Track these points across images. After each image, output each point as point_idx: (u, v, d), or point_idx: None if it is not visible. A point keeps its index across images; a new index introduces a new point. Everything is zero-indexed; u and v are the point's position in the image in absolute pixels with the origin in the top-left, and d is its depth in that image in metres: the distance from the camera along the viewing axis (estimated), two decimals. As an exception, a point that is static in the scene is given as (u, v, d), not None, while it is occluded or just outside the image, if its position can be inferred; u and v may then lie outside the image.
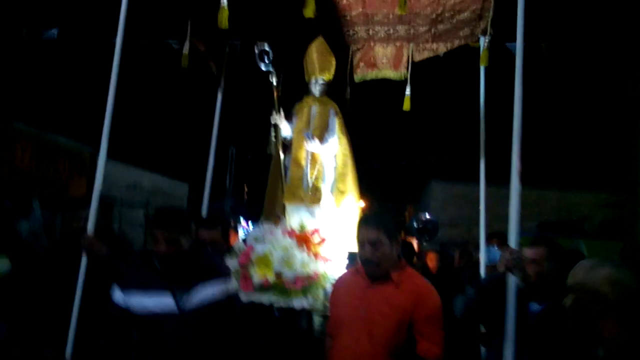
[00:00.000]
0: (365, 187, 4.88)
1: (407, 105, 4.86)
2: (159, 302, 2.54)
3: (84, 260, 3.26)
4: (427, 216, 5.17)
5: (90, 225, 3.35)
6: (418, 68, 4.97)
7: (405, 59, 4.99)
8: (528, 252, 2.95)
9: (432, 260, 6.19)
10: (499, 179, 4.48)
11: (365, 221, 2.80)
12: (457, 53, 4.84)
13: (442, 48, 4.91)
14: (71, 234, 3.62)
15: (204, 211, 4.92)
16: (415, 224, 4.86)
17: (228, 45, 5.03)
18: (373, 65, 5.12)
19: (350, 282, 2.89)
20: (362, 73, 5.17)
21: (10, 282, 4.10)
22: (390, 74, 5.08)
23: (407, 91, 4.87)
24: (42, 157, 8.33)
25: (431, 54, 4.94)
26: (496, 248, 4.66)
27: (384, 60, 5.08)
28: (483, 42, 4.53)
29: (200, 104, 4.87)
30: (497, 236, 5.02)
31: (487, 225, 4.60)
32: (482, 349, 4.06)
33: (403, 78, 4.96)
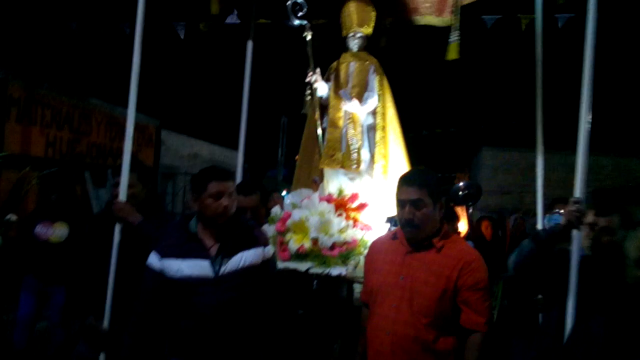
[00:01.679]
0: (413, 154, 4.20)
1: (453, 54, 3.96)
2: (195, 266, 2.36)
3: (117, 226, 2.95)
4: (469, 182, 4.44)
5: (122, 192, 2.99)
6: (465, 21, 4.07)
7: (450, 2, 4.08)
8: (601, 220, 2.54)
9: (486, 228, 5.48)
10: (550, 145, 3.88)
11: (407, 180, 2.37)
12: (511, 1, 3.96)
13: None
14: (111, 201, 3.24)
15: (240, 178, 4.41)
16: (457, 189, 4.14)
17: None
18: (414, 10, 4.24)
19: (387, 248, 2.47)
20: (404, 18, 4.28)
21: (67, 247, 4.05)
22: (433, 20, 4.17)
23: (454, 37, 3.97)
24: (114, 130, 8.36)
25: None
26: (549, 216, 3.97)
27: (426, 5, 4.19)
28: None
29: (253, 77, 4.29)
30: (562, 202, 4.29)
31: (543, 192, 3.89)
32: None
33: (450, 24, 4.05)
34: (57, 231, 4.21)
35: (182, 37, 4.64)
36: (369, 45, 4.08)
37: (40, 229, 4.21)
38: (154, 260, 2.40)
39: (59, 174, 4.42)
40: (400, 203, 2.34)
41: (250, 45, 4.34)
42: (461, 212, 5.03)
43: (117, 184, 3.16)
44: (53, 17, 7.26)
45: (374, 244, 2.64)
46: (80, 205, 4.59)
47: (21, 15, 7.26)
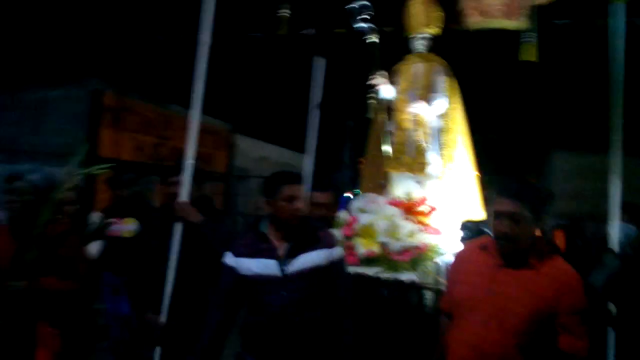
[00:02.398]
0: (482, 158, 3.91)
1: (527, 55, 3.62)
2: (264, 265, 2.37)
3: (178, 226, 2.92)
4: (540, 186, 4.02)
5: (184, 192, 2.95)
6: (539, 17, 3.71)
7: (521, 4, 3.75)
8: None
9: (559, 238, 5.00)
10: (629, 149, 3.43)
11: (506, 191, 2.13)
12: None
13: None
14: (168, 200, 3.21)
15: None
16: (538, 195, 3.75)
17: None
18: (485, 12, 3.92)
19: (476, 259, 2.22)
20: (473, 21, 3.95)
21: (135, 242, 4.00)
22: (505, 23, 3.83)
23: (528, 38, 3.62)
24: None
25: None
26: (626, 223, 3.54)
27: (498, 7, 3.86)
28: None
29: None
30: (627, 209, 3.84)
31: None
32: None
33: (523, 27, 3.73)
34: (128, 226, 4.31)
35: (251, 46, 4.62)
36: (437, 46, 3.86)
37: (112, 226, 4.33)
38: (228, 258, 2.45)
39: (128, 174, 4.52)
40: (497, 215, 2.12)
41: (323, 59, 4.27)
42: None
43: (172, 183, 3.13)
44: (141, 31, 7.56)
45: (460, 253, 2.42)
46: (147, 203, 4.66)
47: (113, 30, 7.62)
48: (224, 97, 7.49)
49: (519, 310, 2.02)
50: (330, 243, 2.51)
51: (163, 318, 2.86)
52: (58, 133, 7.27)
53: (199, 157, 3.05)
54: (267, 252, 2.40)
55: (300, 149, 4.67)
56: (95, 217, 3.95)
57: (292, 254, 2.38)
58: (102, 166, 2.83)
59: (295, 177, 2.48)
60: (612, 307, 3.03)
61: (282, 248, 2.40)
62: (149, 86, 7.89)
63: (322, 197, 3.16)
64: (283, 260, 2.37)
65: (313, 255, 2.41)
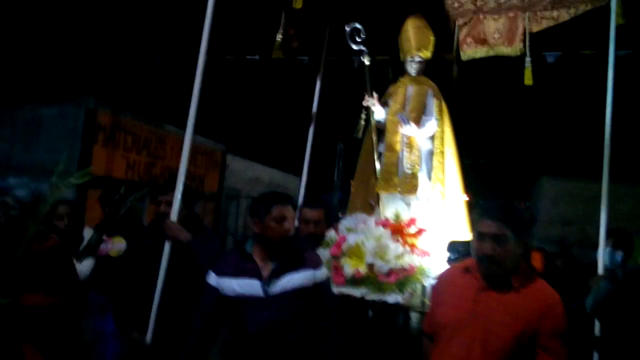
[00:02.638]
0: (471, 182, 3.88)
1: (528, 79, 3.69)
2: (247, 285, 2.34)
3: (167, 245, 2.88)
4: (522, 208, 3.98)
5: (174, 212, 2.91)
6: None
7: (520, 30, 3.80)
8: None
9: (537, 261, 4.95)
10: (616, 175, 3.48)
11: (490, 212, 2.10)
12: (581, 22, 3.63)
13: (564, 16, 3.68)
14: (157, 218, 3.17)
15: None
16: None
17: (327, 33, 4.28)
18: (483, 41, 3.96)
19: (458, 281, 2.19)
20: (470, 50, 4.03)
21: (122, 261, 3.92)
22: (504, 50, 3.88)
23: (528, 63, 3.69)
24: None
25: (551, 23, 3.73)
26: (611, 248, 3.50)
27: (495, 36, 3.90)
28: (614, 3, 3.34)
29: (310, 103, 4.24)
30: (613, 234, 3.82)
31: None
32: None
33: (520, 53, 3.79)
34: (116, 245, 4.22)
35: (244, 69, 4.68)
36: (429, 70, 3.86)
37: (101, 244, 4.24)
38: (211, 278, 2.40)
39: (116, 193, 4.46)
40: (480, 236, 2.08)
41: (319, 82, 4.29)
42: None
43: (161, 202, 3.09)
44: (138, 51, 7.61)
45: (443, 275, 2.39)
46: (136, 222, 4.58)
47: (109, 49, 7.66)
48: (218, 118, 7.51)
49: (502, 333, 1.99)
50: (315, 264, 2.47)
51: (149, 337, 2.78)
52: (51, 150, 7.22)
53: (191, 177, 3.02)
54: (251, 272, 2.35)
55: (291, 170, 4.66)
56: (88, 232, 3.87)
57: (277, 274, 2.34)
58: (84, 172, 2.76)
59: (285, 198, 2.46)
60: (596, 330, 2.99)
61: (266, 268, 2.37)
62: (143, 105, 7.89)
63: (311, 213, 3.14)
64: (267, 281, 2.33)
65: (298, 276, 2.37)
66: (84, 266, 3.59)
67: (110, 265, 4.09)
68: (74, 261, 3.45)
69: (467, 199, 3.78)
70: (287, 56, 4.32)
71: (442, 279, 2.35)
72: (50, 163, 6.97)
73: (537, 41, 3.87)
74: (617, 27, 3.33)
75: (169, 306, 2.82)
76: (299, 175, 4.42)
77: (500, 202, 2.42)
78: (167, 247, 2.86)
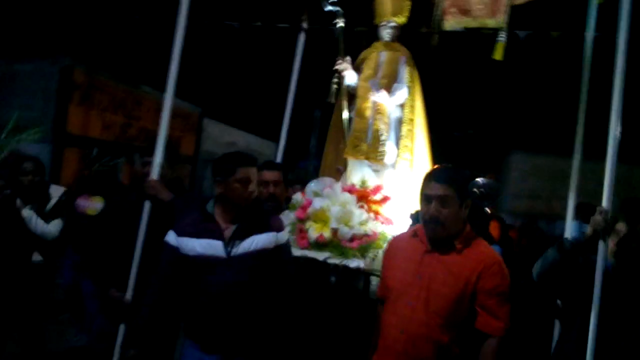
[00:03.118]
0: (443, 155, 3.82)
1: (499, 54, 3.53)
2: (209, 246, 2.27)
3: (147, 204, 2.83)
4: (486, 180, 3.94)
5: (155, 171, 2.86)
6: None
7: (504, 2, 3.60)
8: (618, 227, 2.28)
9: (494, 229, 4.97)
10: (584, 153, 3.40)
11: (436, 175, 2.17)
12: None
13: None
14: (137, 180, 3.08)
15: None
16: (473, 186, 3.66)
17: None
18: (466, 11, 3.75)
19: (406, 245, 2.25)
20: (453, 19, 3.80)
21: (100, 220, 3.81)
22: (488, 22, 3.68)
23: (503, 37, 3.51)
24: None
25: None
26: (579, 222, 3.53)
27: (479, 6, 3.70)
28: None
29: (289, 69, 4.08)
30: (581, 209, 3.83)
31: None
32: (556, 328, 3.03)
33: (503, 25, 3.60)
34: (95, 204, 4.15)
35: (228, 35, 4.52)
36: (403, 36, 3.73)
37: (79, 202, 4.16)
38: (171, 237, 2.33)
39: (96, 154, 4.35)
40: (426, 198, 2.12)
41: (300, 48, 4.13)
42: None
43: (146, 163, 3.01)
44: (117, 9, 7.28)
45: (394, 240, 2.43)
46: (116, 182, 4.49)
47: (87, 6, 7.32)
48: (195, 81, 7.31)
49: (443, 292, 2.04)
50: (277, 227, 2.42)
51: (129, 295, 2.73)
52: (25, 107, 6.98)
53: (169, 140, 2.96)
54: (212, 232, 2.29)
55: (268, 136, 4.54)
56: (57, 191, 3.73)
57: (239, 236, 2.29)
58: (35, 131, 2.64)
59: (250, 160, 2.39)
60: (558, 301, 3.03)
61: (228, 229, 2.30)
62: (119, 65, 7.61)
63: (269, 175, 3.07)
64: (229, 242, 2.27)
65: (260, 238, 2.32)
66: (53, 226, 3.47)
67: (88, 224, 4.00)
68: (40, 221, 3.39)
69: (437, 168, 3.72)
70: (266, 24, 4.16)
71: (393, 244, 2.39)
72: (25, 120, 6.78)
73: (511, 17, 3.74)
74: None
75: (149, 265, 2.70)
76: (276, 141, 4.32)
77: (445, 166, 2.39)
78: (147, 205, 2.79)
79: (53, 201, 3.54)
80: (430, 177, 2.17)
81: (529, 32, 4.17)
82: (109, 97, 7.61)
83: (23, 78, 7.09)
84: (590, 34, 3.26)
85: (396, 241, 2.38)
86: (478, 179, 4.11)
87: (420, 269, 2.11)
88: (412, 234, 2.25)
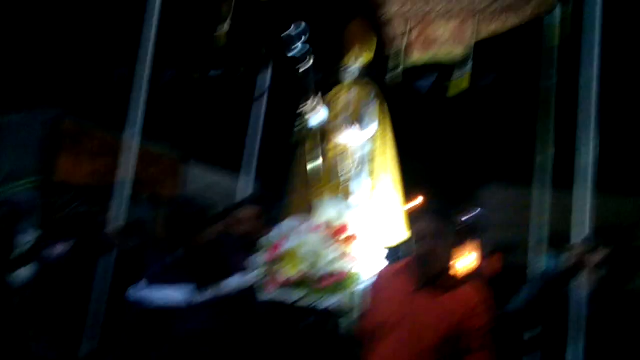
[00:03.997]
0: (417, 188, 3.77)
1: (465, 83, 3.51)
2: (173, 294, 2.18)
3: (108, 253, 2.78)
4: (475, 212, 3.82)
5: (117, 220, 2.85)
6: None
7: (469, 34, 3.60)
8: (594, 257, 2.22)
9: (497, 261, 4.80)
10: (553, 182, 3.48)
11: (426, 212, 2.11)
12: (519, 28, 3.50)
13: (512, 20, 3.48)
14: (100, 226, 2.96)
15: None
16: (464, 220, 3.56)
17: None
18: (431, 44, 3.73)
19: (394, 282, 2.15)
20: (418, 54, 3.78)
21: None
22: (454, 50, 3.65)
23: (468, 67, 3.49)
24: (143, 161, 8.11)
25: (499, 28, 3.54)
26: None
27: (444, 40, 3.70)
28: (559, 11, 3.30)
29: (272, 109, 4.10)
30: (554, 240, 3.75)
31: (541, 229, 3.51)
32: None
33: (467, 55, 3.59)
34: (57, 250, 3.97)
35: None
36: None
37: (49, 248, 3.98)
38: (133, 289, 2.25)
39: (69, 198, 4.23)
40: (417, 236, 2.06)
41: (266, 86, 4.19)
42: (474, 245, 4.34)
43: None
44: (100, 63, 7.38)
45: (379, 275, 2.32)
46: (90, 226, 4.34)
47: (71, 61, 7.41)
48: (176, 126, 7.35)
49: (428, 334, 1.95)
50: (242, 269, 2.32)
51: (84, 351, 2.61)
52: (16, 158, 6.95)
53: (151, 183, 2.93)
54: (177, 279, 2.20)
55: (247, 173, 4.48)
56: (28, 237, 3.57)
57: (205, 281, 2.20)
58: (27, 181, 2.63)
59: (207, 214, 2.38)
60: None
61: (194, 275, 2.21)
62: (104, 114, 7.62)
63: (247, 212, 3.03)
64: (195, 288, 2.18)
65: (227, 283, 2.24)
66: (21, 273, 3.28)
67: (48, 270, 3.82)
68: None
69: (415, 202, 3.66)
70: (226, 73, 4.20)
71: (379, 279, 2.28)
72: (15, 171, 6.70)
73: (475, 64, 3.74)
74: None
75: (110, 316, 2.60)
76: (256, 178, 4.28)
77: (435, 205, 2.32)
78: (113, 255, 2.70)
79: (19, 250, 3.36)
80: (420, 215, 2.11)
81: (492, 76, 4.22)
82: (94, 144, 7.57)
83: (13, 129, 7.09)
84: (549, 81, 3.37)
85: (381, 276, 2.28)
86: (466, 211, 4.01)
87: (405, 309, 2.02)
88: (398, 270, 2.16)
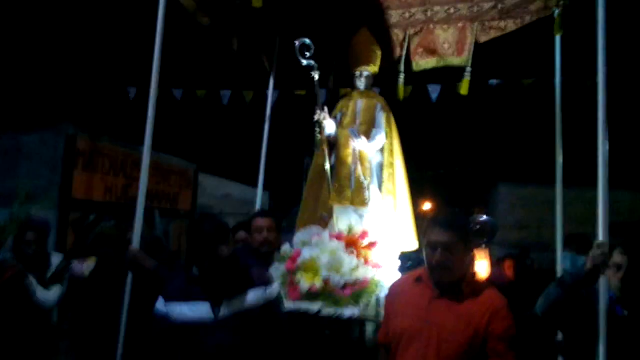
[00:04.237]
0: (433, 192, 3.70)
1: (465, 89, 3.55)
2: (196, 309, 2.09)
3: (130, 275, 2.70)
4: (483, 217, 3.80)
5: (136, 239, 2.71)
6: (481, 54, 3.62)
7: (469, 41, 3.62)
8: (625, 259, 2.18)
9: (509, 268, 4.71)
10: (567, 180, 3.39)
11: (440, 222, 2.08)
12: (529, 32, 3.49)
13: (511, 26, 3.50)
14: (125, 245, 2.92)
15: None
16: (470, 222, 3.51)
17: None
18: (433, 51, 3.74)
19: (411, 291, 2.12)
20: (421, 60, 3.80)
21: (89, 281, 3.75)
22: (454, 61, 3.69)
23: (467, 74, 3.52)
24: (159, 175, 8.01)
25: (499, 34, 3.56)
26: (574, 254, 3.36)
27: (445, 46, 3.69)
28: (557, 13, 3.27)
29: (281, 120, 4.06)
30: (574, 240, 3.64)
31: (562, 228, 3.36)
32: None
33: (468, 63, 3.62)
34: (90, 266, 3.97)
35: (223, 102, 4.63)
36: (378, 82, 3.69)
37: (74, 266, 3.99)
38: (160, 305, 2.17)
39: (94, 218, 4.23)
40: (432, 245, 2.02)
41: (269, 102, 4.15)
42: (483, 253, 4.27)
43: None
44: (113, 80, 7.42)
45: (395, 285, 2.28)
46: (114, 244, 4.32)
47: (85, 78, 7.46)
48: (190, 140, 7.34)
49: (454, 339, 1.93)
50: (264, 281, 2.23)
51: None
52: (32, 177, 6.95)
53: (166, 196, 2.90)
54: (199, 294, 2.11)
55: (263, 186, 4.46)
56: (57, 258, 3.58)
57: (226, 295, 2.11)
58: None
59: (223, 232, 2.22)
60: (560, 336, 2.82)
61: (215, 290, 2.11)
62: (118, 130, 7.64)
63: (263, 221, 2.95)
64: (216, 303, 2.10)
65: (248, 296, 2.13)
66: (52, 294, 3.35)
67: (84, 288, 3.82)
68: (40, 288, 3.28)
69: (427, 208, 3.60)
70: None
71: (395, 289, 2.24)
72: (31, 190, 6.74)
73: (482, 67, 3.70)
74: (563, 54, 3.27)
75: (136, 334, 2.56)
76: (268, 190, 4.22)
77: (449, 212, 2.27)
78: (130, 278, 2.64)
79: (52, 269, 3.44)
80: (434, 224, 2.08)
81: (502, 80, 4.21)
82: (110, 160, 7.57)
83: (29, 149, 7.10)
84: (557, 79, 3.31)
85: (398, 286, 2.25)
86: (475, 216, 3.96)
87: (428, 315, 1.99)
88: (416, 278, 2.13)
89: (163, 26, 2.93)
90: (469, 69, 3.58)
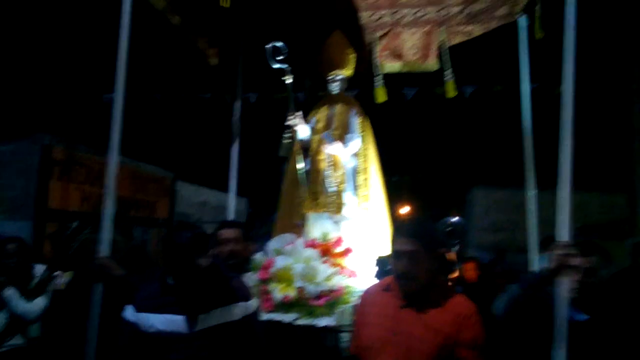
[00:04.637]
0: (408, 197, 3.63)
1: (451, 92, 3.47)
2: (169, 321, 1.96)
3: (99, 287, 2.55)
4: (453, 219, 3.75)
5: (103, 246, 2.57)
6: (455, 60, 3.57)
7: (435, 45, 3.56)
8: (583, 261, 2.09)
9: (471, 270, 4.67)
10: (540, 183, 3.38)
11: (402, 230, 2.01)
12: (495, 38, 3.49)
13: (477, 30, 3.48)
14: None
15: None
16: (442, 225, 3.47)
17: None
18: (399, 56, 3.67)
19: (379, 300, 2.05)
20: (387, 63, 3.72)
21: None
22: (419, 67, 3.62)
23: (448, 76, 3.45)
24: (136, 184, 7.84)
25: (465, 38, 3.53)
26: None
27: (411, 51, 3.63)
28: (524, 22, 3.27)
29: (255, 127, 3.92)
30: (551, 243, 3.62)
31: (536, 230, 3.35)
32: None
33: (436, 68, 3.56)
34: (65, 278, 3.81)
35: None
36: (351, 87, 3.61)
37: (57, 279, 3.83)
38: (128, 313, 2.03)
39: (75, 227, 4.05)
40: (396, 254, 1.97)
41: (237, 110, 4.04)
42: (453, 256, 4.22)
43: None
44: (88, 89, 7.23)
45: (365, 295, 2.19)
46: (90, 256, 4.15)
47: (60, 88, 7.24)
48: (167, 147, 7.18)
49: (423, 349, 1.86)
50: (245, 295, 2.10)
51: None
52: (7, 187, 6.72)
53: (143, 204, 2.74)
54: (173, 306, 1.97)
55: (238, 192, 4.33)
56: (40, 269, 3.46)
57: (202, 308, 1.97)
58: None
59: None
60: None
61: (190, 302, 1.97)
62: (94, 139, 7.45)
63: (229, 233, 2.79)
64: (190, 314, 1.96)
65: (225, 310, 2.00)
66: (35, 305, 3.26)
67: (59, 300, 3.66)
68: (21, 301, 3.19)
69: (402, 213, 3.53)
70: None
71: (365, 299, 2.16)
72: (9, 200, 6.48)
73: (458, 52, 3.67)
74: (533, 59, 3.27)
75: (106, 346, 2.38)
76: (245, 196, 4.09)
77: (413, 219, 2.18)
78: (99, 286, 2.49)
79: (36, 280, 3.36)
80: (397, 232, 2.02)
81: (476, 86, 4.19)
82: (86, 169, 7.36)
83: (4, 158, 6.87)
84: (525, 85, 3.31)
85: (367, 295, 2.16)
86: (445, 219, 3.90)
87: (396, 325, 1.92)
88: (384, 287, 2.06)
89: (129, 29, 2.80)
90: (449, 70, 3.50)
